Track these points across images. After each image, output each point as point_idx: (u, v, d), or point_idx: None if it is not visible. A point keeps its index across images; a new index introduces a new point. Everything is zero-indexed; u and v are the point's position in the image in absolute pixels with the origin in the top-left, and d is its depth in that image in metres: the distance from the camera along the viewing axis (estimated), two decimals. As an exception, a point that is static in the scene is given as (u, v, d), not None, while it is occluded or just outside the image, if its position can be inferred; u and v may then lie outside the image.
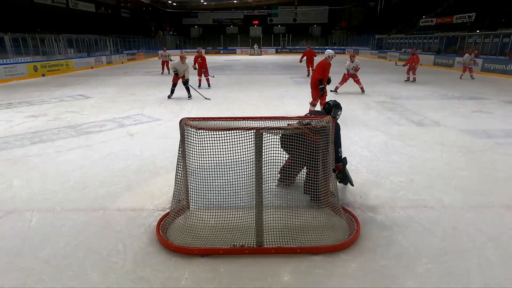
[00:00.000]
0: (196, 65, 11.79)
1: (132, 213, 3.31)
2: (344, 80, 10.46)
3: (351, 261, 2.58)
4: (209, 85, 11.92)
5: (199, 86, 11.73)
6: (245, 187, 2.83)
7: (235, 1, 42.27)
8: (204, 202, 2.93)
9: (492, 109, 8.10)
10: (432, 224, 3.08)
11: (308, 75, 15.08)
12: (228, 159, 2.76)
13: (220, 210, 2.95)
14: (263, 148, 2.61)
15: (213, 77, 12.52)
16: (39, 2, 24.09)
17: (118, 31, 30.11)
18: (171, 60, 15.87)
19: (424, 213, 3.27)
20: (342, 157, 3.53)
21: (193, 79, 10.91)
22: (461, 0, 25.04)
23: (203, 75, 11.95)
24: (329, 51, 7.02)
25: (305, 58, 15.36)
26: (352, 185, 3.62)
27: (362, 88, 10.51)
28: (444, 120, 7.02)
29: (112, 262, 2.58)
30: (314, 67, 14.76)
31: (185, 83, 9.46)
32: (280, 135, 2.94)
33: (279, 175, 3.22)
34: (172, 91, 9.64)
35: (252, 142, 2.61)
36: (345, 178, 3.55)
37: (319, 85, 6.70)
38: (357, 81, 10.48)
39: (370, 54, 31.82)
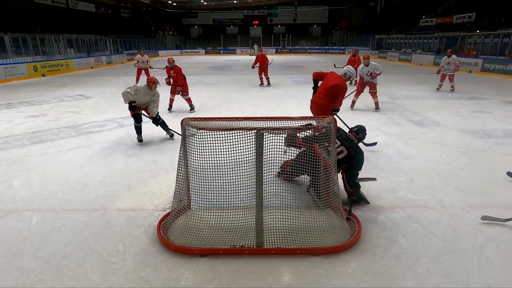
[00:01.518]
0: (171, 80, 8.07)
1: (132, 213, 3.31)
2: (359, 91, 8.02)
3: (351, 261, 2.58)
4: (191, 108, 8.18)
5: (170, 109, 8.24)
6: (246, 187, 2.83)
7: (235, 1, 42.27)
8: (205, 202, 2.93)
9: (492, 109, 8.10)
10: (432, 224, 3.08)
11: (262, 84, 12.54)
12: (229, 159, 2.76)
13: (220, 210, 2.95)
14: (264, 148, 2.61)
15: (192, 111, 8.09)
16: (39, 2, 24.09)
17: (118, 31, 30.12)
18: (151, 67, 12.43)
19: (424, 213, 3.27)
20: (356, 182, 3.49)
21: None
22: (461, 0, 25.04)
23: (178, 95, 8.09)
24: (348, 69, 4.98)
25: (258, 64, 12.14)
26: (368, 202, 3.51)
27: (376, 104, 8.03)
28: (444, 120, 7.02)
29: (112, 262, 2.58)
30: (266, 75, 12.19)
31: (156, 120, 5.55)
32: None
33: (279, 169, 3.21)
34: (139, 130, 5.59)
35: (253, 142, 2.61)
36: (360, 199, 3.50)
37: (332, 113, 4.79)
38: (373, 94, 7.86)
39: (370, 54, 31.67)
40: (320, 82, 4.93)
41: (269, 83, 12.54)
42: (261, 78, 12.55)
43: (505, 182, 3.98)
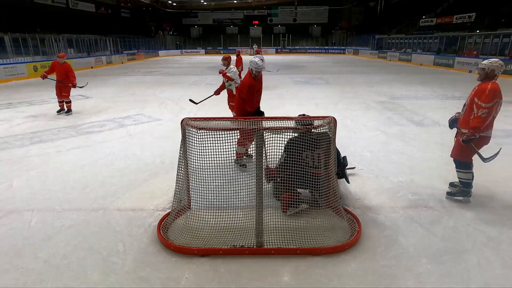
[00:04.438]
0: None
1: (132, 213, 3.31)
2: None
3: (351, 261, 2.58)
4: None
5: None
6: (246, 187, 2.83)
7: (235, 1, 42.28)
8: (205, 202, 2.93)
9: (492, 109, 8.09)
10: (432, 224, 3.08)
11: (62, 110, 7.67)
12: (229, 159, 2.76)
13: (220, 210, 2.95)
14: (264, 148, 2.61)
15: None
16: (39, 2, 24.09)
17: (118, 31, 30.12)
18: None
19: (424, 213, 3.27)
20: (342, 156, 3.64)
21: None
22: (461, 0, 25.04)
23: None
24: (255, 59, 4.10)
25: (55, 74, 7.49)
26: (348, 182, 3.68)
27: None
28: (444, 120, 6.98)
29: (112, 262, 2.58)
30: (67, 96, 7.56)
31: None
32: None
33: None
34: None
35: (253, 142, 2.61)
36: (344, 176, 3.65)
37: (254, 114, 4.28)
38: (231, 107, 5.89)
39: (370, 54, 31.84)
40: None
41: (67, 110, 7.69)
42: (61, 103, 7.68)
43: (505, 182, 3.99)
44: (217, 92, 5.93)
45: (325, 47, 40.78)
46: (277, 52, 38.96)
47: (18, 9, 21.43)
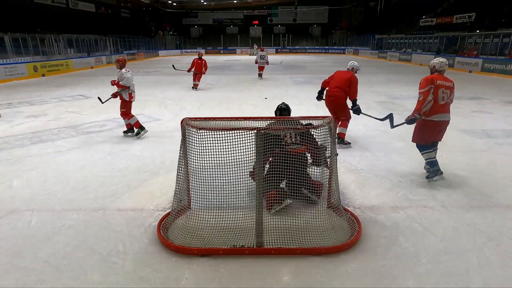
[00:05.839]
0: None
1: (132, 213, 3.31)
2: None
3: (351, 261, 2.58)
4: None
5: None
6: (246, 187, 2.82)
7: (235, 1, 42.29)
8: (205, 202, 2.93)
9: (492, 109, 8.10)
10: (432, 224, 3.08)
11: None
12: (229, 159, 2.76)
13: (220, 210, 2.95)
14: (264, 148, 2.61)
15: None
16: (39, 2, 24.10)
17: (118, 31, 30.11)
18: None
19: (424, 213, 3.27)
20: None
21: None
22: (461, 0, 25.05)
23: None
24: (353, 63, 5.70)
25: None
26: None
27: (129, 125, 5.96)
28: (444, 120, 7.00)
29: (112, 262, 2.57)
30: None
31: None
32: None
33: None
34: None
35: (253, 142, 2.61)
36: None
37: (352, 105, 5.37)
38: (123, 115, 5.90)
39: (370, 54, 31.85)
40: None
41: None
42: None
43: (505, 182, 3.98)
44: (114, 95, 6.02)
45: (325, 47, 40.79)
46: (277, 52, 38.95)
47: (18, 9, 21.44)
